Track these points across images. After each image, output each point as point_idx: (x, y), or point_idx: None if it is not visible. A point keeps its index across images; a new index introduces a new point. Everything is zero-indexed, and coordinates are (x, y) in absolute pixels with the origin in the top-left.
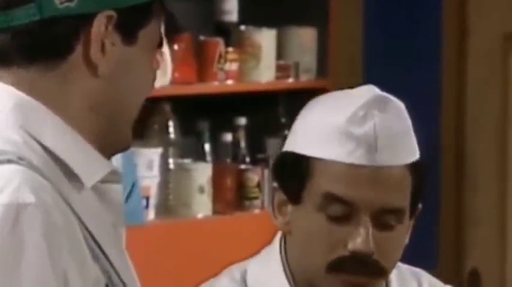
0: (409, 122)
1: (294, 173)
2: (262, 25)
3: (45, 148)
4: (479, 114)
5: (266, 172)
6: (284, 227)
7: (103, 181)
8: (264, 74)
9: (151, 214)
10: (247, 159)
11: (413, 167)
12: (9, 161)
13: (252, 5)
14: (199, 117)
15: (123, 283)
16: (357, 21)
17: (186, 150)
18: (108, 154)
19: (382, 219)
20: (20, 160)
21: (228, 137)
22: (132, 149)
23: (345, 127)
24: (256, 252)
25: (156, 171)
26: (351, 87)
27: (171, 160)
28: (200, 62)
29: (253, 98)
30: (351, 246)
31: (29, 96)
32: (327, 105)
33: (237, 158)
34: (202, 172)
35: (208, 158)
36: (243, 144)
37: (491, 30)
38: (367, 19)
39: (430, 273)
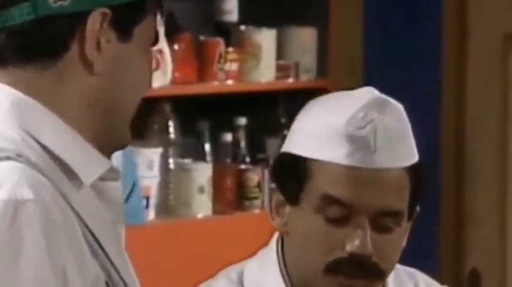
0: (408, 124)
1: (292, 174)
2: (262, 25)
3: (44, 147)
4: (480, 114)
5: (266, 172)
6: (282, 228)
7: (102, 178)
8: (264, 74)
9: (151, 214)
10: (247, 159)
11: (412, 169)
12: (7, 158)
13: (252, 5)
14: (200, 117)
15: (123, 281)
16: (357, 21)
17: (186, 150)
18: (107, 151)
19: (381, 221)
20: (18, 157)
21: (228, 137)
22: (132, 149)
23: (344, 129)
24: (256, 252)
25: (156, 171)
26: (351, 87)
27: (171, 160)
28: (200, 62)
29: (253, 98)
30: (348, 248)
31: (26, 95)
32: (325, 107)
33: (237, 158)
34: (203, 172)
35: (209, 158)
36: (243, 144)
37: (491, 30)
38: (367, 19)
39: (430, 273)
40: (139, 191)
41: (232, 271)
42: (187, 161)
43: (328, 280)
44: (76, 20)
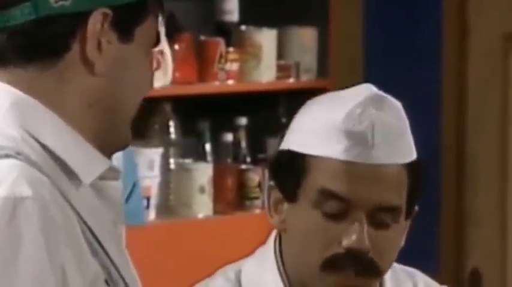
0: (406, 122)
1: (290, 170)
2: (263, 25)
3: (44, 146)
4: (480, 114)
5: (267, 172)
6: (280, 226)
7: (102, 178)
8: (265, 74)
9: (152, 214)
10: (248, 159)
11: (410, 167)
12: (7, 156)
13: (252, 5)
14: (200, 117)
15: (123, 279)
16: (358, 21)
17: (186, 150)
18: (107, 152)
19: (378, 217)
20: (17, 154)
21: (229, 137)
22: (133, 149)
23: (341, 125)
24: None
25: (156, 171)
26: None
27: (171, 160)
28: (201, 62)
29: (253, 98)
30: (345, 243)
31: (27, 95)
32: (323, 104)
33: (237, 158)
34: (203, 172)
35: (209, 158)
36: (243, 144)
37: (491, 30)
38: (368, 19)
39: (431, 273)
40: (140, 191)
41: (230, 269)
42: (187, 161)
43: (325, 277)
44: (77, 20)
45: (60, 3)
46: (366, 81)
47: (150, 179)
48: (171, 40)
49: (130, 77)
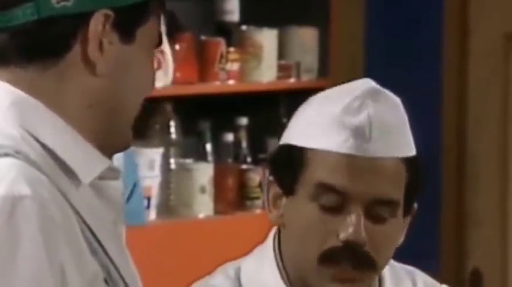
0: (405, 117)
1: (288, 164)
2: (264, 25)
3: (43, 145)
4: (481, 114)
5: (266, 169)
6: (278, 221)
7: (101, 177)
8: (266, 74)
9: (152, 214)
10: (249, 159)
11: (409, 162)
12: (6, 155)
13: (253, 5)
14: (201, 117)
15: (122, 279)
16: (358, 21)
17: (187, 150)
18: (108, 153)
19: (375, 210)
20: (16, 153)
21: (230, 137)
22: (134, 149)
23: (339, 117)
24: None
25: (157, 171)
26: None
27: (172, 160)
28: (201, 62)
29: (254, 98)
30: (342, 236)
31: (27, 94)
32: (322, 98)
33: (238, 158)
34: (204, 172)
35: (210, 158)
36: (244, 144)
37: (492, 30)
38: (368, 19)
39: (432, 273)
40: (141, 191)
41: (229, 267)
42: (188, 161)
43: (322, 270)
44: (79, 20)
45: (62, 4)
46: None
47: (151, 179)
48: (172, 40)
49: (132, 78)
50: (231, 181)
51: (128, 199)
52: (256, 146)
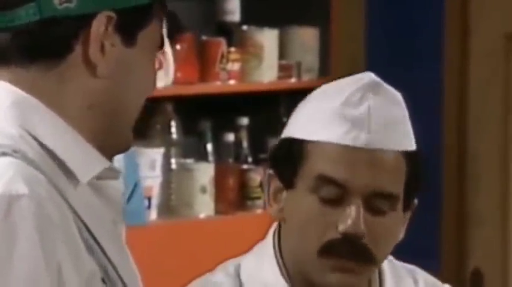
0: (405, 111)
1: (289, 157)
2: (264, 25)
3: (42, 144)
4: (482, 114)
5: (267, 165)
6: (278, 215)
7: (100, 177)
8: (266, 74)
9: (153, 214)
10: (250, 159)
11: (409, 155)
12: (3, 154)
13: (254, 5)
14: (202, 117)
15: (120, 278)
16: (359, 21)
17: (188, 150)
18: (108, 153)
19: (375, 203)
20: (14, 152)
21: (230, 137)
22: (134, 149)
23: (339, 109)
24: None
25: (158, 171)
26: None
27: (173, 160)
28: (202, 62)
29: (255, 98)
30: (341, 228)
31: (28, 94)
32: (323, 91)
33: (239, 158)
34: (205, 172)
35: (211, 158)
36: (245, 144)
37: (493, 31)
38: (369, 19)
39: (432, 273)
40: (142, 191)
41: (230, 264)
42: (189, 161)
43: (322, 263)
44: (81, 22)
45: (65, 5)
46: None
47: (152, 179)
48: (173, 40)
49: (133, 80)
50: (232, 181)
51: (129, 199)
52: (257, 146)
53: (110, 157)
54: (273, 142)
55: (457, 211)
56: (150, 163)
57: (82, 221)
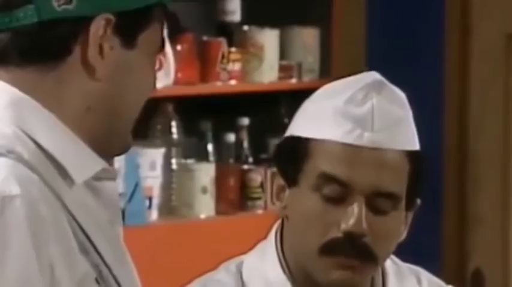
0: (409, 111)
1: (292, 155)
2: (265, 25)
3: (38, 145)
4: (483, 114)
5: (269, 172)
6: (282, 212)
7: (97, 177)
8: (267, 74)
9: (154, 215)
10: (250, 159)
11: (412, 155)
12: None
13: (254, 5)
14: (202, 117)
15: (115, 279)
16: (360, 22)
17: (188, 150)
18: (107, 155)
19: (376, 202)
20: (8, 153)
21: (231, 137)
22: (135, 149)
23: (343, 108)
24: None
25: (159, 171)
26: None
27: (174, 160)
28: (203, 62)
29: (256, 98)
30: (343, 226)
31: (26, 95)
32: (328, 90)
33: (240, 159)
34: (205, 172)
35: (211, 158)
36: (245, 144)
37: (493, 31)
38: (370, 19)
39: (433, 273)
40: (142, 192)
41: (232, 263)
42: (190, 161)
43: (323, 261)
44: (80, 24)
45: (64, 7)
46: None
47: (152, 180)
48: (173, 41)
49: (132, 83)
50: (233, 181)
51: (130, 199)
52: (258, 146)
53: (109, 158)
54: (273, 142)
55: (458, 212)
56: (150, 163)
57: (76, 221)
